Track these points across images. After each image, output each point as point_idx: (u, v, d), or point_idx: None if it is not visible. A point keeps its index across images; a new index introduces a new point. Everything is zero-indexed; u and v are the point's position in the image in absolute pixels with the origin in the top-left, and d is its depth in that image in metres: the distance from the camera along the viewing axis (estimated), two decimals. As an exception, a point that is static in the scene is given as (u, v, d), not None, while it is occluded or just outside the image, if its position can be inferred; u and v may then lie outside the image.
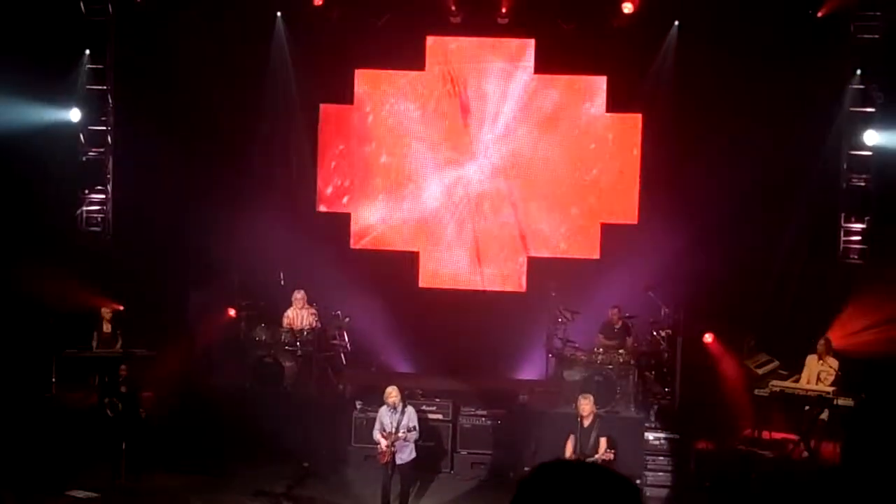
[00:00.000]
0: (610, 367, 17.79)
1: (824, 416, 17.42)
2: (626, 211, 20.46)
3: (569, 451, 15.33)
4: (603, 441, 15.36)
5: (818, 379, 17.55)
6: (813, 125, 19.27)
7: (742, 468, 17.11)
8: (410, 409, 15.65)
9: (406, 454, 15.39)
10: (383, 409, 15.63)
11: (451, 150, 20.89)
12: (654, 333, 18.39)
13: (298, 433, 17.42)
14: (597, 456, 15.03)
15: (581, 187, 20.66)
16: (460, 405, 17.98)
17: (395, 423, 15.33)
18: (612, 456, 15.07)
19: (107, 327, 19.00)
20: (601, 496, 3.42)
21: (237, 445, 17.54)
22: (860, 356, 17.86)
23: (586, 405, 15.50)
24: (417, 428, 15.51)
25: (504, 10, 20.10)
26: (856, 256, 19.39)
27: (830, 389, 17.20)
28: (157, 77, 20.19)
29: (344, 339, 18.76)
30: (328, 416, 17.82)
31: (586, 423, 15.46)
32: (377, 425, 15.59)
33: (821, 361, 17.58)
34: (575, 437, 15.46)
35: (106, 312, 19.10)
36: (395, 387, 15.73)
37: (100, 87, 20.52)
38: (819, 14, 18.87)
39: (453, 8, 20.21)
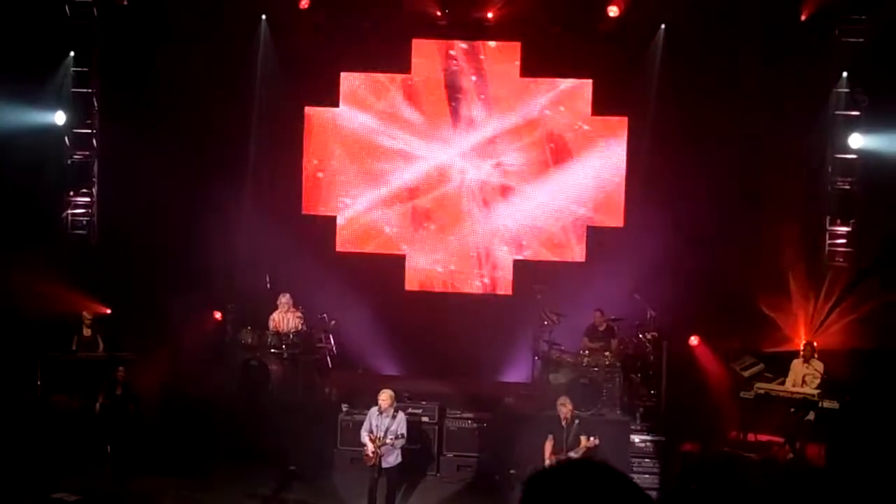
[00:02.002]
0: (595, 369, 17.81)
1: (809, 418, 17.46)
2: (612, 214, 20.49)
3: (548, 451, 15.38)
4: (583, 439, 15.45)
5: (803, 381, 17.61)
6: (798, 128, 19.31)
7: (727, 470, 17.14)
8: (402, 416, 15.60)
9: (392, 459, 15.37)
10: (374, 409, 15.62)
11: (437, 153, 20.89)
12: (640, 336, 18.41)
13: (284, 436, 17.37)
14: (581, 446, 15.13)
15: (567, 190, 20.67)
16: (446, 408, 18.00)
17: (382, 427, 15.32)
18: (597, 441, 15.20)
19: (87, 331, 18.94)
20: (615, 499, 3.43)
21: (223, 448, 17.52)
22: (833, 352, 18.01)
23: (564, 409, 15.59)
24: (406, 435, 15.50)
25: (490, 14, 20.13)
26: (841, 259, 19.44)
27: (815, 392, 17.26)
28: (141, 80, 20.16)
29: (330, 342, 18.74)
30: (314, 419, 17.79)
31: (564, 423, 15.58)
32: (366, 425, 15.58)
33: (806, 364, 17.64)
34: (554, 438, 15.52)
35: (86, 316, 19.04)
36: (390, 392, 15.68)
37: (85, 90, 20.48)
38: (802, 17, 18.91)
39: (439, 12, 20.23)
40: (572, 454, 15.12)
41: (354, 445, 16.61)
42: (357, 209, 21.11)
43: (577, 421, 15.59)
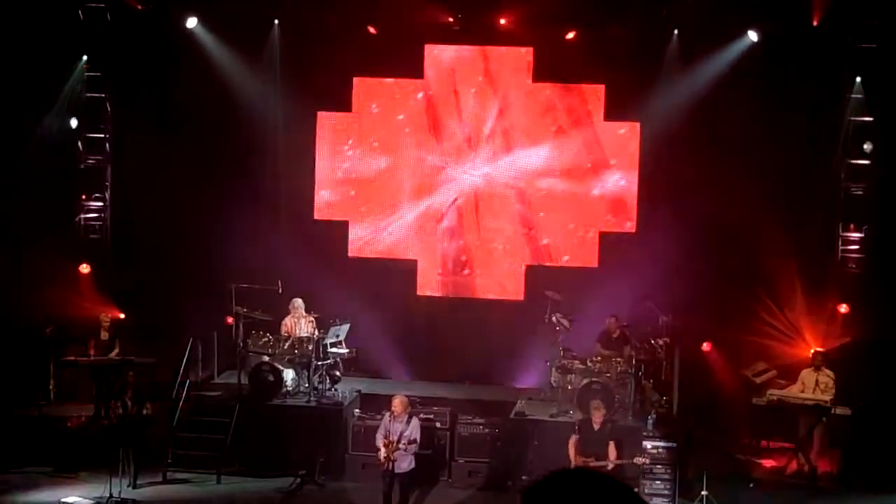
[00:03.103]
0: (608, 375, 17.78)
1: (822, 424, 17.43)
2: (625, 219, 20.45)
3: (573, 454, 15.41)
4: (612, 445, 15.46)
5: (816, 385, 17.57)
6: (812, 134, 19.28)
7: (740, 477, 17.11)
8: (415, 422, 15.64)
9: (405, 464, 15.38)
10: (387, 414, 15.66)
11: (450, 159, 20.87)
12: (652, 342, 18.36)
13: (296, 441, 17.39)
14: (617, 462, 15.27)
15: (579, 196, 20.64)
16: (458, 413, 17.96)
17: (396, 433, 15.33)
18: (645, 460, 15.38)
19: (104, 334, 18.98)
20: None
21: (235, 453, 17.53)
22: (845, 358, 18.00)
23: (598, 414, 15.65)
24: (418, 441, 15.51)
25: (503, 19, 20.12)
26: (854, 265, 19.39)
27: (828, 398, 17.22)
28: (154, 84, 20.19)
29: (342, 347, 18.72)
30: (326, 424, 17.79)
31: (596, 426, 15.60)
32: (381, 430, 15.60)
33: (816, 373, 17.61)
34: (578, 441, 15.53)
35: (104, 320, 19.08)
36: (402, 398, 15.72)
37: (98, 95, 20.52)
38: (814, 23, 18.86)
39: (451, 18, 20.24)
40: (609, 465, 15.19)
41: (366, 450, 16.64)
42: (369, 214, 21.10)
43: (609, 425, 15.65)
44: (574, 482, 3.47)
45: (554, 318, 18.50)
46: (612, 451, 15.52)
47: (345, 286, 19.67)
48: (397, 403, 15.55)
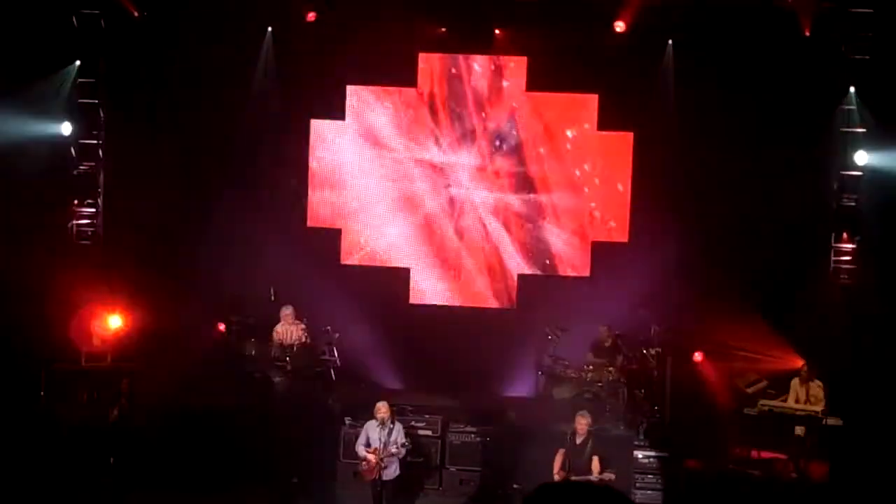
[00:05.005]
0: (599, 384, 17.79)
1: (813, 435, 17.44)
2: (617, 229, 20.45)
3: (557, 467, 15.32)
4: (595, 459, 15.33)
5: (808, 395, 17.59)
6: (804, 145, 19.28)
7: (731, 487, 17.10)
8: (399, 426, 15.66)
9: (391, 470, 15.37)
10: (371, 423, 15.62)
11: (443, 167, 20.88)
12: (644, 351, 18.37)
13: (287, 449, 17.37)
14: (599, 476, 15.08)
15: (572, 205, 20.66)
16: (449, 421, 17.95)
17: (382, 440, 15.31)
18: (613, 477, 15.14)
19: (96, 341, 18.91)
20: None
21: (225, 461, 17.49)
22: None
23: (583, 422, 15.50)
24: (407, 444, 15.53)
25: (496, 29, 20.13)
26: (846, 276, 19.38)
27: (819, 409, 17.25)
28: (148, 91, 20.17)
29: (333, 355, 18.71)
30: (317, 431, 17.77)
31: (579, 439, 15.47)
32: (361, 438, 15.59)
33: (806, 384, 17.63)
34: (565, 453, 15.45)
35: (97, 326, 19.02)
36: (385, 402, 15.73)
37: (91, 101, 20.49)
38: (806, 33, 18.87)
39: (444, 28, 20.26)
40: (593, 478, 15.03)
41: (357, 458, 16.62)
42: (362, 222, 21.09)
43: (590, 441, 15.48)
44: (578, 492, 3.48)
45: (546, 329, 18.52)
46: (595, 466, 15.37)
47: (337, 294, 19.66)
48: (383, 409, 15.54)
